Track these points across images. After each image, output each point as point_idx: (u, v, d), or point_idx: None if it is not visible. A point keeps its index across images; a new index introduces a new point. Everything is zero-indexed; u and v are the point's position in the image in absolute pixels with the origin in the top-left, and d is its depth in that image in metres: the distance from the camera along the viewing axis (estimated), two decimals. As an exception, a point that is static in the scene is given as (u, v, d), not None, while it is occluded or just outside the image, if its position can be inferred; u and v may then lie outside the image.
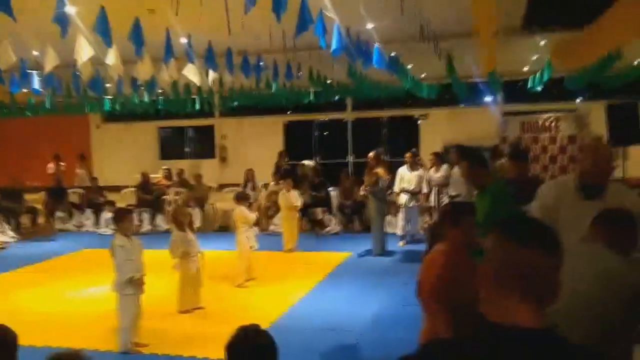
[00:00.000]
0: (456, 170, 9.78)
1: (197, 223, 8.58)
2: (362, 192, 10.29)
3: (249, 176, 13.66)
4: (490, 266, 1.51)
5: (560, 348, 1.41)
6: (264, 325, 6.49)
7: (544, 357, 1.37)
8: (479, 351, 1.40)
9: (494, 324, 1.46)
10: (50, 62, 6.55)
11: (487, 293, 1.52)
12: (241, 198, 8.64)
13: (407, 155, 10.66)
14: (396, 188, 10.36)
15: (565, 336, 1.48)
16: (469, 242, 3.36)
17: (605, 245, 2.73)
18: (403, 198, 10.38)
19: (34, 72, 8.37)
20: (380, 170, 9.87)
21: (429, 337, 3.35)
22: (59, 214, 13.95)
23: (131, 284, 5.79)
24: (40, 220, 13.98)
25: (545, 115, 13.25)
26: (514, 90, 16.66)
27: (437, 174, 10.50)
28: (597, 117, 12.38)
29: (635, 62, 11.44)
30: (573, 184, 3.57)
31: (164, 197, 13.81)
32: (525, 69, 13.88)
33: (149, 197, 13.59)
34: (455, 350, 1.46)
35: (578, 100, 16.24)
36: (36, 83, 8.48)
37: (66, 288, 8.51)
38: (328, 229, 12.22)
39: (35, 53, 8.78)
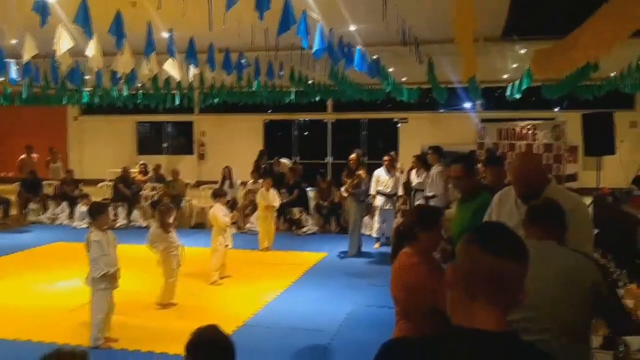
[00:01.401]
0: (434, 170, 9.84)
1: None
2: (344, 194, 10.30)
3: (227, 174, 13.61)
4: (459, 271, 1.53)
5: (521, 352, 1.44)
6: (237, 324, 6.51)
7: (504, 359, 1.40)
8: (441, 352, 1.42)
9: (458, 326, 1.49)
10: (29, 52, 6.46)
11: (454, 297, 1.54)
12: (218, 195, 8.61)
13: (385, 158, 10.71)
14: (372, 190, 10.40)
15: (526, 341, 1.51)
16: (437, 246, 3.41)
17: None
18: (379, 200, 10.43)
19: (12, 60, 8.25)
20: (362, 173, 9.91)
21: (396, 329, 3.38)
22: (32, 205, 13.74)
23: (106, 279, 5.75)
24: (13, 211, 13.78)
25: (523, 123, 13.42)
26: (493, 98, 16.87)
27: (418, 178, 10.56)
28: (573, 126, 12.58)
29: (612, 74, 11.65)
30: (514, 192, 3.67)
31: (141, 192, 13.69)
32: (505, 76, 14.06)
33: (128, 191, 13.46)
34: (416, 351, 1.48)
35: (555, 110, 16.49)
36: (13, 72, 8.36)
37: (38, 281, 8.40)
38: (305, 229, 12.22)
39: (13, 41, 8.67)
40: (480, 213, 4.25)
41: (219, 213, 8.34)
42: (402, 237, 3.40)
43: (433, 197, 9.72)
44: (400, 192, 10.60)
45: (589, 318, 2.75)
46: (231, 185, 13.39)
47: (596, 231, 8.39)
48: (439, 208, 3.91)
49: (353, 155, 10.13)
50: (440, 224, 3.36)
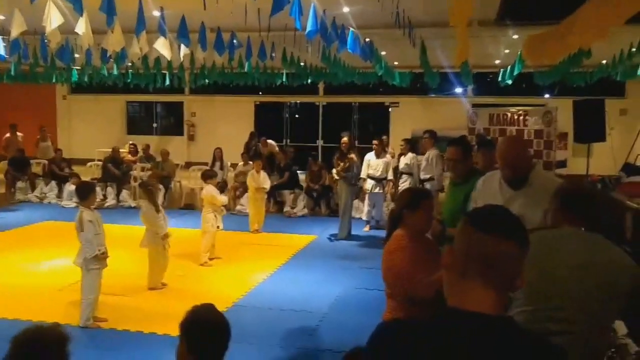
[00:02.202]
0: (431, 153, 9.84)
1: (161, 200, 8.47)
2: (335, 177, 10.29)
3: (218, 155, 13.56)
4: (455, 252, 1.53)
5: (515, 335, 1.44)
6: (226, 305, 6.52)
7: (499, 343, 1.39)
8: (435, 334, 1.42)
9: (453, 308, 1.49)
10: (17, 28, 6.35)
11: (450, 278, 1.54)
12: (208, 177, 8.57)
13: (375, 141, 10.69)
14: (363, 174, 10.40)
15: (520, 325, 1.51)
16: (427, 227, 3.45)
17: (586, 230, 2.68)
18: (369, 184, 10.44)
19: (0, 37, 8.12)
20: (353, 156, 9.90)
21: (386, 310, 3.42)
22: (20, 184, 13.64)
23: (97, 259, 5.73)
24: (1, 190, 13.67)
25: (514, 109, 13.44)
26: (485, 83, 16.88)
27: (403, 161, 10.57)
28: (564, 113, 12.61)
29: (603, 61, 11.66)
30: (499, 176, 3.70)
31: (130, 172, 13.62)
32: (497, 62, 14.05)
33: (117, 172, 13.39)
34: (410, 332, 1.48)
35: (546, 96, 16.53)
36: (1, 49, 8.23)
37: (26, 260, 8.35)
38: (295, 210, 12.21)
39: (1, 17, 8.53)
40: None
41: (215, 193, 8.32)
42: (395, 220, 3.44)
43: (430, 179, 9.73)
44: (390, 176, 10.61)
45: (617, 316, 2.73)
46: (221, 167, 13.35)
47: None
48: (426, 190, 3.91)
49: (345, 139, 10.11)
50: (426, 205, 3.39)
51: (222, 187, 11.52)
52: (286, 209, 12.30)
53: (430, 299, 3.13)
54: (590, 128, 10.32)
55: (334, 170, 10.21)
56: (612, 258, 2.54)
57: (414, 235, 3.35)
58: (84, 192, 5.94)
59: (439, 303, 2.81)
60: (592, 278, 2.46)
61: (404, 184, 10.26)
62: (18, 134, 15.78)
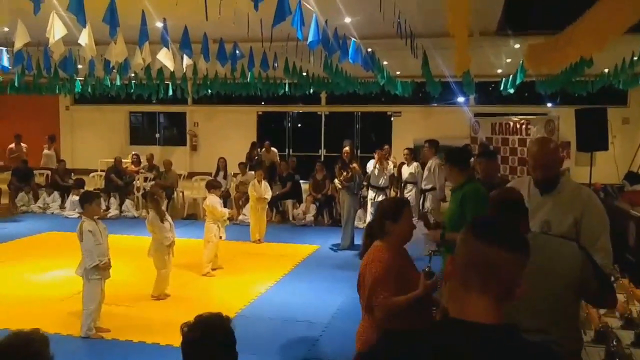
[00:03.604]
0: (432, 163, 9.81)
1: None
2: (338, 186, 10.28)
3: (221, 165, 13.58)
4: (456, 262, 1.53)
5: (515, 344, 1.44)
6: (229, 315, 6.50)
7: (499, 353, 1.39)
8: (434, 344, 1.41)
9: (453, 318, 1.49)
10: (21, 39, 6.38)
11: (451, 288, 1.54)
12: (212, 187, 8.57)
13: (378, 151, 10.69)
14: (364, 182, 10.38)
15: (520, 333, 1.50)
16: (409, 236, 3.44)
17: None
18: (371, 193, 10.43)
19: (4, 48, 8.18)
20: (356, 165, 9.90)
21: (367, 333, 3.36)
22: (23, 195, 13.66)
23: (98, 269, 5.73)
24: (4, 201, 13.70)
25: (516, 118, 13.44)
26: (487, 92, 16.91)
27: (408, 170, 10.55)
28: (566, 122, 12.62)
29: (605, 70, 11.68)
30: (530, 180, 3.69)
31: (133, 182, 13.64)
32: (499, 71, 14.07)
33: (120, 182, 13.41)
34: (410, 343, 1.47)
35: (548, 105, 16.54)
36: (5, 60, 8.28)
37: (29, 270, 8.35)
38: (299, 221, 12.20)
39: (5, 29, 8.58)
40: (465, 201, 4.39)
41: (217, 204, 8.32)
42: (373, 233, 3.43)
43: (431, 189, 9.69)
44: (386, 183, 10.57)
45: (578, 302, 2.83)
46: (225, 177, 13.36)
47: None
48: (405, 198, 3.89)
49: (346, 148, 10.11)
50: (407, 214, 3.40)
51: (225, 197, 11.54)
52: (292, 219, 12.29)
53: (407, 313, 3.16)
54: (592, 137, 10.30)
55: (336, 180, 10.21)
56: (567, 255, 2.70)
57: (394, 247, 3.35)
58: (85, 201, 5.95)
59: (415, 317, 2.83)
60: (559, 280, 2.62)
61: (409, 193, 10.21)
62: (22, 144, 15.85)
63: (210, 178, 10.53)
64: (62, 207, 13.36)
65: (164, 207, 7.20)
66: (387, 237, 3.36)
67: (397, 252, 3.36)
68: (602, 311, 3.85)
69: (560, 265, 2.65)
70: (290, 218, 12.46)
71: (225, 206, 9.42)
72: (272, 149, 15.48)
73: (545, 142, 3.67)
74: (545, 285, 2.56)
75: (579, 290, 2.66)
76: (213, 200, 8.33)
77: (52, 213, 13.25)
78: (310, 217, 12.24)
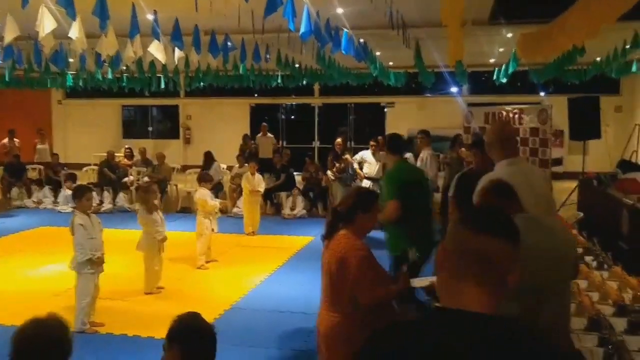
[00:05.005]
0: (425, 153, 9.79)
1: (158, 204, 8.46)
2: (331, 177, 10.26)
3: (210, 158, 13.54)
4: (446, 251, 1.52)
5: (511, 333, 1.43)
6: (224, 307, 6.51)
7: (494, 342, 1.38)
8: (429, 334, 1.41)
9: (447, 308, 1.48)
10: (11, 33, 6.34)
11: (442, 278, 1.53)
12: (203, 180, 8.56)
13: (372, 142, 10.68)
14: (355, 165, 10.36)
15: (518, 322, 1.50)
16: (373, 228, 3.51)
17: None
18: (365, 184, 10.42)
19: (-7, 43, 8.11)
20: (348, 157, 9.89)
21: (349, 330, 3.32)
22: (16, 190, 13.60)
23: (90, 263, 5.71)
24: (-4, 196, 13.64)
25: (509, 107, 13.44)
26: (480, 82, 16.91)
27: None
28: (559, 110, 12.63)
29: (598, 58, 11.68)
30: None
31: (126, 177, 13.59)
32: (492, 61, 14.07)
33: (113, 176, 13.37)
34: (404, 333, 1.47)
35: (541, 94, 16.56)
36: (-5, 54, 8.22)
37: (22, 265, 8.33)
38: (295, 211, 12.18)
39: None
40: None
41: (207, 197, 8.31)
42: (339, 217, 3.43)
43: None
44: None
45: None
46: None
47: (581, 214, 8.48)
48: (375, 191, 3.93)
49: (339, 140, 10.11)
50: (377, 207, 3.43)
51: (217, 190, 11.52)
52: (285, 211, 12.27)
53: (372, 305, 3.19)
54: (585, 125, 10.33)
55: (329, 172, 10.20)
56: (565, 238, 2.78)
57: (360, 236, 3.37)
58: (76, 195, 5.93)
59: (381, 309, 2.85)
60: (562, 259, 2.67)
61: None
62: (15, 140, 15.77)
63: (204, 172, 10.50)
64: (55, 202, 13.30)
65: (157, 201, 7.17)
66: (353, 226, 3.38)
67: (361, 242, 3.40)
68: (595, 298, 3.87)
69: (561, 242, 2.71)
70: (283, 211, 12.43)
71: (217, 198, 9.39)
72: (269, 134, 15.46)
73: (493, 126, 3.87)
74: (556, 267, 2.60)
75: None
76: (203, 194, 8.31)
77: (46, 208, 13.20)
78: (300, 210, 12.20)
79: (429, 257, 4.78)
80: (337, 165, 9.85)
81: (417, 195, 5.14)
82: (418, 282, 3.60)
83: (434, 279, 3.48)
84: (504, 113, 12.78)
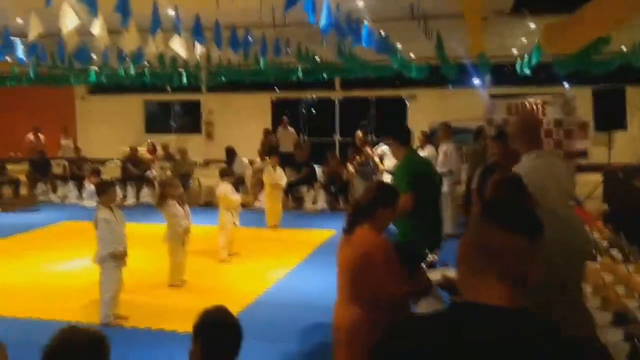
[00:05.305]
0: (447, 146, 9.72)
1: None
2: (351, 171, 10.24)
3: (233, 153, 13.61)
4: (468, 245, 1.51)
5: (532, 327, 1.41)
6: (246, 301, 6.55)
7: (515, 335, 1.37)
8: (449, 327, 1.40)
9: (468, 301, 1.47)
10: (34, 30, 6.41)
11: (463, 271, 1.52)
12: (224, 174, 8.60)
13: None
14: (378, 160, 10.32)
15: (539, 316, 1.48)
16: (389, 224, 3.53)
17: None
18: (386, 177, 10.37)
19: (18, 39, 8.21)
20: (369, 151, 9.85)
21: (364, 326, 3.31)
22: (41, 186, 13.80)
23: (114, 257, 5.77)
24: (23, 191, 13.85)
25: (532, 99, 13.27)
26: (502, 73, 16.70)
27: (423, 154, 10.45)
28: (583, 102, 12.44)
29: (624, 48, 11.47)
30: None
31: (149, 171, 13.72)
32: (514, 52, 13.88)
33: (136, 170, 13.51)
34: (424, 326, 1.46)
35: (565, 85, 16.31)
36: (20, 52, 8.32)
37: (48, 260, 8.46)
38: (316, 206, 12.19)
39: (19, 21, 8.62)
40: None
41: (229, 192, 8.35)
42: (360, 212, 3.41)
43: (449, 172, 9.58)
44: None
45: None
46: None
47: (607, 207, 8.36)
48: (395, 187, 3.88)
49: (359, 133, 10.07)
50: (397, 202, 3.40)
51: (238, 184, 11.57)
52: (307, 205, 12.28)
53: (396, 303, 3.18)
54: (610, 116, 10.18)
55: (349, 165, 10.18)
56: (581, 232, 2.85)
57: (379, 231, 3.37)
58: (100, 190, 6.00)
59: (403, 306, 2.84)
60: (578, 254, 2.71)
61: None
62: (40, 135, 16.01)
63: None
64: (80, 196, 13.47)
65: (178, 194, 7.23)
66: (373, 221, 3.36)
67: (381, 237, 3.40)
68: (620, 292, 3.81)
69: (578, 237, 2.69)
70: (305, 205, 12.44)
71: (238, 192, 9.44)
72: (290, 128, 15.47)
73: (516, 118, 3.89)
74: (571, 262, 2.58)
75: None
76: (225, 188, 8.35)
77: (71, 203, 13.37)
78: (322, 204, 12.19)
79: (437, 249, 4.76)
80: (358, 158, 9.82)
81: (428, 187, 5.14)
82: (431, 275, 3.59)
83: (445, 271, 3.51)
84: (527, 105, 12.64)
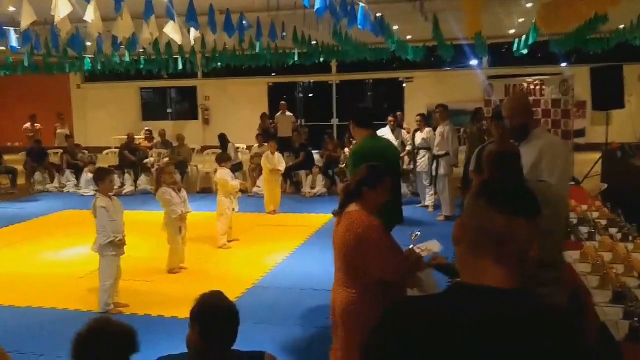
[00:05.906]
0: (444, 127, 9.68)
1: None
2: (348, 154, 10.20)
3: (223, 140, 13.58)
4: (466, 227, 1.49)
5: (532, 307, 1.40)
6: (246, 285, 6.56)
7: (515, 316, 1.36)
8: (449, 308, 1.39)
9: (465, 283, 1.46)
10: (27, 18, 6.35)
11: (461, 253, 1.51)
12: (222, 160, 8.57)
13: (390, 118, 10.60)
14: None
15: (535, 296, 1.47)
16: (378, 205, 3.44)
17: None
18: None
19: (11, 28, 8.14)
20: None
21: (347, 297, 3.36)
22: (38, 175, 13.77)
23: (113, 245, 5.77)
24: (20, 180, 13.82)
25: (530, 79, 13.23)
26: (499, 54, 16.65)
27: (420, 136, 10.44)
28: (581, 81, 12.41)
29: (621, 26, 11.41)
30: None
31: (147, 158, 13.69)
32: (511, 32, 13.82)
33: (134, 158, 13.48)
34: (422, 308, 1.45)
35: (563, 64, 16.26)
36: (13, 40, 8.25)
37: (46, 249, 8.45)
38: (314, 190, 12.18)
39: (11, 9, 8.54)
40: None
41: (227, 177, 8.32)
42: (350, 194, 3.42)
43: (445, 154, 9.55)
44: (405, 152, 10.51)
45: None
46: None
47: (605, 185, 8.36)
48: (383, 167, 3.81)
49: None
50: (385, 184, 3.38)
51: (236, 169, 11.55)
52: (305, 189, 12.26)
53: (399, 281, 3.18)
54: (608, 95, 10.15)
55: (346, 149, 10.16)
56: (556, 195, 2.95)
57: (369, 211, 3.35)
58: (97, 178, 5.97)
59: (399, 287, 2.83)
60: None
61: (422, 159, 10.15)
62: (36, 124, 15.95)
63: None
64: (77, 185, 13.45)
65: (173, 180, 7.21)
66: (362, 202, 3.36)
67: (369, 218, 3.37)
68: (619, 271, 3.81)
69: (557, 206, 2.80)
70: (303, 189, 12.43)
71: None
72: (288, 112, 15.42)
73: (512, 95, 3.97)
74: (554, 228, 2.70)
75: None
76: (223, 173, 8.33)
77: (68, 192, 13.35)
78: (320, 189, 12.18)
79: (398, 224, 4.71)
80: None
81: None
82: (417, 249, 3.60)
83: (429, 245, 3.62)
84: (525, 85, 12.60)
